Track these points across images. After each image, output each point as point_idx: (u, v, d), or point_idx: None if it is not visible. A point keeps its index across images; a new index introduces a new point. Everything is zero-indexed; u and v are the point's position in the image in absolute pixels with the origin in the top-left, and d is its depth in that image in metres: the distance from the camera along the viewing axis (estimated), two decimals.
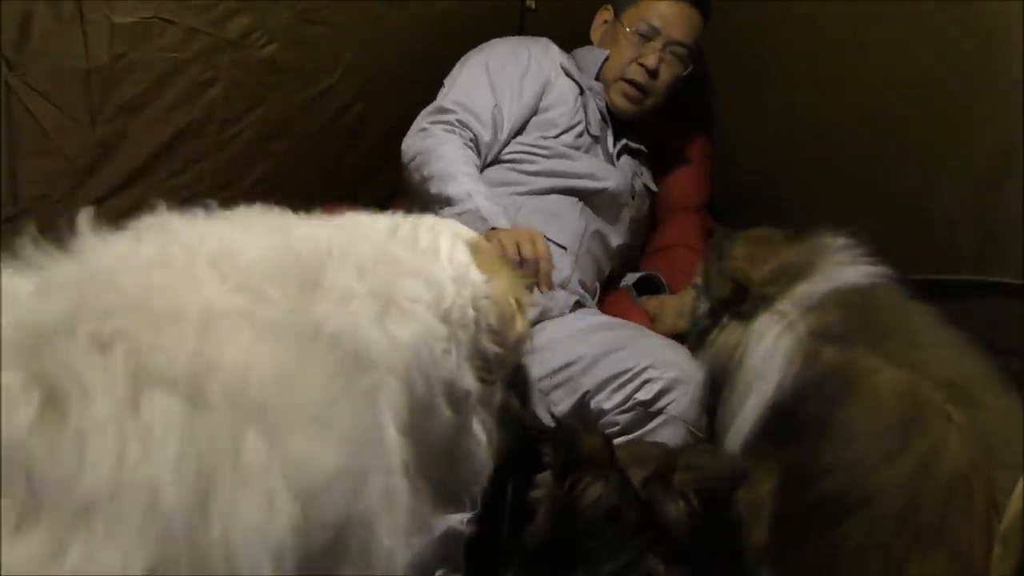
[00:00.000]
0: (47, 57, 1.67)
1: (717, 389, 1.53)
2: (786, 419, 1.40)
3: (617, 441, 1.49)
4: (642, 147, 2.22)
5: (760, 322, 1.49)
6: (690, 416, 1.66)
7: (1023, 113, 1.75)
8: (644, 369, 1.66)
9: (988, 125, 1.82)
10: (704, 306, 1.63)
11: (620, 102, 2.13)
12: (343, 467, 0.82)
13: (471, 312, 1.06)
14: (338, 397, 0.84)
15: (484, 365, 1.10)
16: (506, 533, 1.60)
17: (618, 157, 2.15)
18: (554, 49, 2.14)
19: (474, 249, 1.15)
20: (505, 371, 1.19)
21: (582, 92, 2.09)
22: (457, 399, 1.05)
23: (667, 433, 1.64)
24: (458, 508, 1.18)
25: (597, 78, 2.14)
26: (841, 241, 1.60)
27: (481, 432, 1.12)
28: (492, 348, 1.10)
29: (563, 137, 2.01)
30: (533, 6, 1.88)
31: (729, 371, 1.52)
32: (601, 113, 2.13)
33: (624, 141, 2.15)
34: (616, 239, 2.11)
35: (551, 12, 2.35)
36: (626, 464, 1.28)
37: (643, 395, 1.65)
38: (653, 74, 2.09)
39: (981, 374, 1.41)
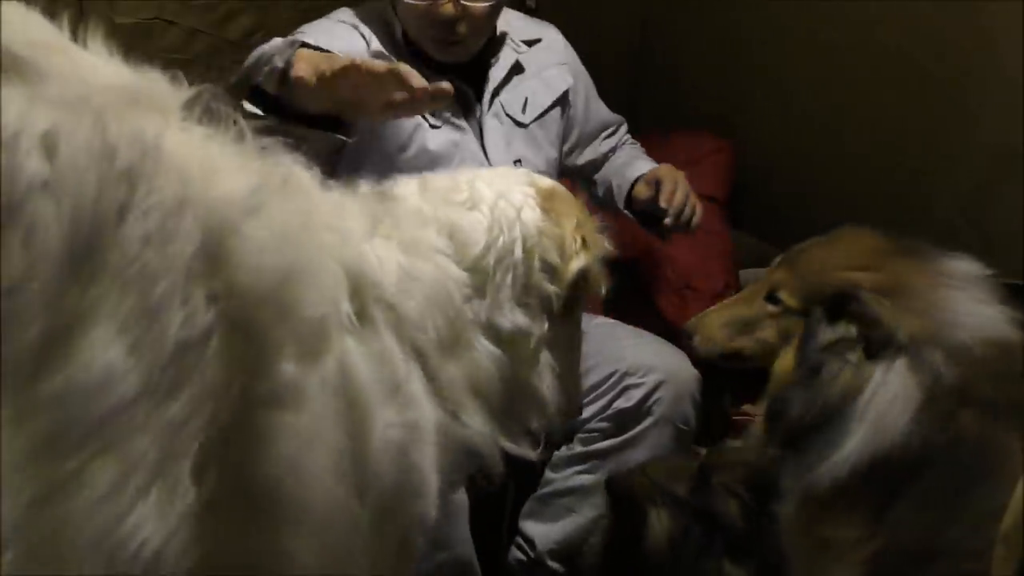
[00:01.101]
0: None
1: (814, 415, 1.35)
2: (902, 474, 1.27)
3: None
4: None
5: (894, 363, 1.31)
6: (677, 415, 1.63)
7: (1022, 114, 1.75)
8: (622, 376, 1.62)
9: (987, 126, 1.83)
10: (824, 336, 1.39)
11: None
12: None
13: (518, 253, 1.07)
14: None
15: (542, 303, 1.09)
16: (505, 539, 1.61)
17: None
18: None
19: (547, 195, 1.16)
20: (576, 307, 1.17)
21: None
22: (505, 336, 1.05)
23: (655, 434, 1.62)
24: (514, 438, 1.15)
25: None
26: (975, 269, 1.35)
27: (547, 370, 1.10)
28: (548, 286, 1.09)
29: None
30: (534, 5, 1.87)
31: (837, 404, 1.33)
32: None
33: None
34: None
35: (551, 11, 2.35)
36: (664, 486, 1.26)
37: (624, 403, 1.61)
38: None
39: None
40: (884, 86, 1.98)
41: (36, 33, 0.65)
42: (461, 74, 1.74)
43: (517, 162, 1.78)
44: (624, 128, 1.99)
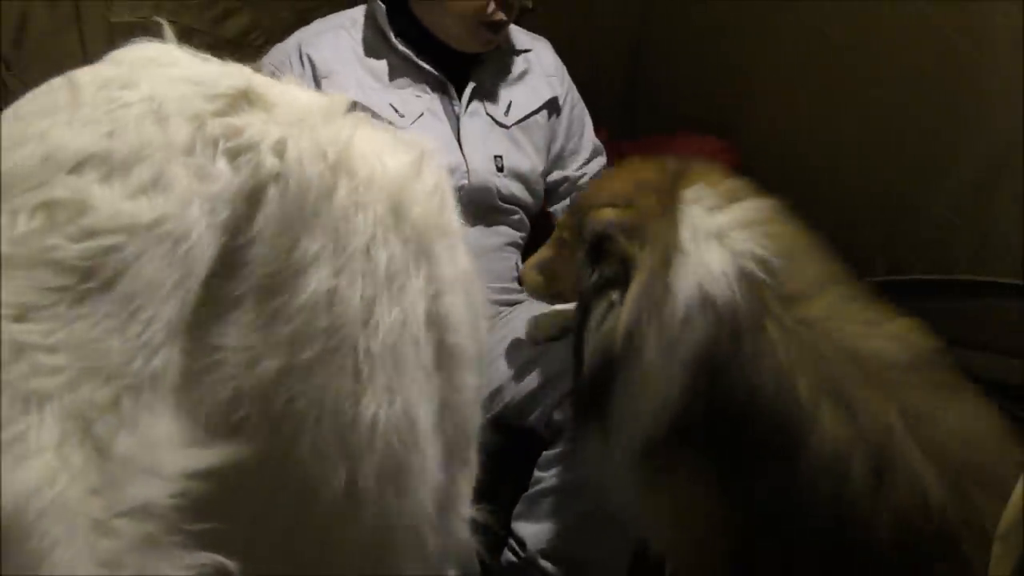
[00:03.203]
0: (44, 57, 1.67)
1: (606, 377, 1.32)
2: (720, 424, 1.26)
3: None
4: None
5: (642, 294, 1.28)
6: None
7: (1021, 114, 1.75)
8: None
9: (985, 126, 1.83)
10: (590, 277, 1.36)
11: None
12: None
13: None
14: None
15: None
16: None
17: None
18: None
19: None
20: None
21: None
22: None
23: None
24: None
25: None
26: (707, 196, 1.34)
27: None
28: None
29: None
30: (531, 6, 1.87)
31: (613, 348, 1.30)
32: None
33: None
34: None
35: (550, 9, 2.35)
36: None
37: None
38: None
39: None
40: (884, 86, 1.98)
41: (256, 77, 0.90)
42: (446, 69, 1.78)
43: (498, 157, 1.81)
44: (603, 159, 2.02)
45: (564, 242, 1.50)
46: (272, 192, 0.82)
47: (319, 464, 0.85)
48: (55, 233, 0.72)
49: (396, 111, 1.75)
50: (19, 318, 0.70)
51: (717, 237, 1.29)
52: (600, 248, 1.33)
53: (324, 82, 1.75)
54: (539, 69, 1.94)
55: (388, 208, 0.90)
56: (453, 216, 0.99)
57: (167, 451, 0.75)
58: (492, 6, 1.74)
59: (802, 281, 1.30)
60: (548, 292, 1.60)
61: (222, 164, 0.80)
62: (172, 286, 0.75)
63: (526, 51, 1.94)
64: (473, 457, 1.04)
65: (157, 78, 0.83)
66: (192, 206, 0.77)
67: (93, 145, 0.76)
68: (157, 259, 0.74)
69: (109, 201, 0.74)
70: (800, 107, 2.16)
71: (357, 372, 0.86)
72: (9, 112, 0.82)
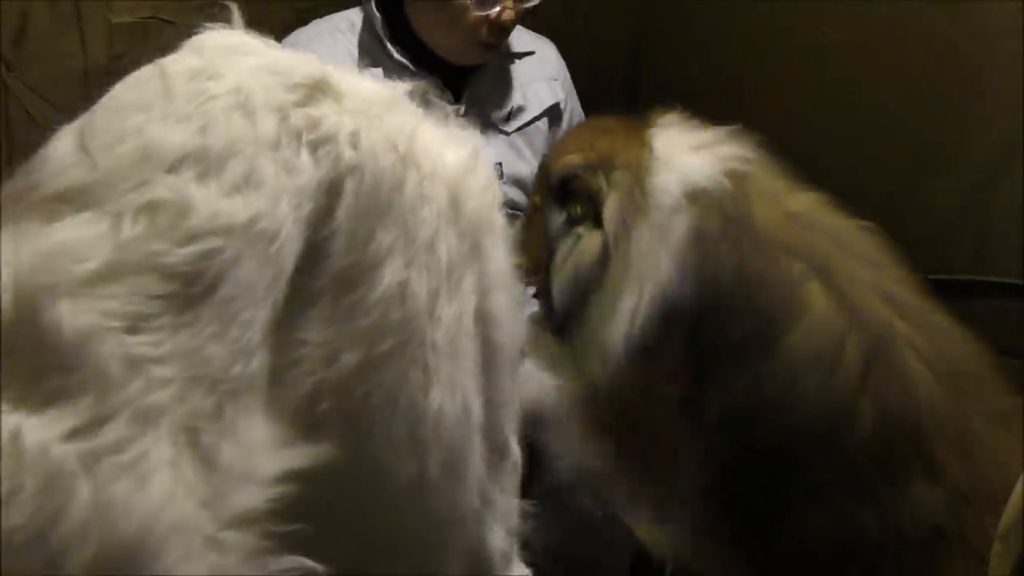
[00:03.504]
0: (45, 57, 1.67)
1: (580, 303, 1.35)
2: (698, 324, 1.26)
3: None
4: None
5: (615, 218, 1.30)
6: None
7: (1021, 114, 1.75)
8: None
9: (985, 126, 1.83)
10: (556, 220, 1.41)
11: None
12: None
13: None
14: None
15: None
16: None
17: None
18: None
19: None
20: None
21: None
22: None
23: None
24: None
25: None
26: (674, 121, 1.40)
27: None
28: None
29: None
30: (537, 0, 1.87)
31: (581, 276, 1.34)
32: None
33: None
34: None
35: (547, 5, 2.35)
36: None
37: None
38: None
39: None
40: (883, 86, 1.98)
41: (324, 66, 0.88)
42: (444, 77, 1.77)
43: (498, 164, 1.79)
44: None
45: (536, 207, 1.50)
46: (349, 184, 0.81)
47: (392, 457, 0.85)
48: (160, 238, 0.71)
49: None
50: (132, 330, 0.68)
51: (695, 149, 1.34)
52: (566, 189, 1.37)
53: None
54: (541, 73, 1.92)
55: (448, 201, 0.90)
56: (500, 213, 1.00)
57: (262, 455, 0.73)
58: (485, 31, 1.71)
59: (784, 183, 1.35)
60: (538, 264, 1.58)
61: (305, 157, 0.80)
62: (266, 286, 0.75)
63: (528, 53, 1.92)
64: (511, 455, 1.03)
65: (239, 68, 0.82)
66: (282, 202, 0.76)
67: (188, 142, 0.75)
68: (253, 260, 0.74)
69: (206, 201, 0.73)
70: (800, 107, 2.16)
71: (426, 365, 0.86)
72: (103, 105, 0.81)
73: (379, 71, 1.79)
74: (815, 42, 2.09)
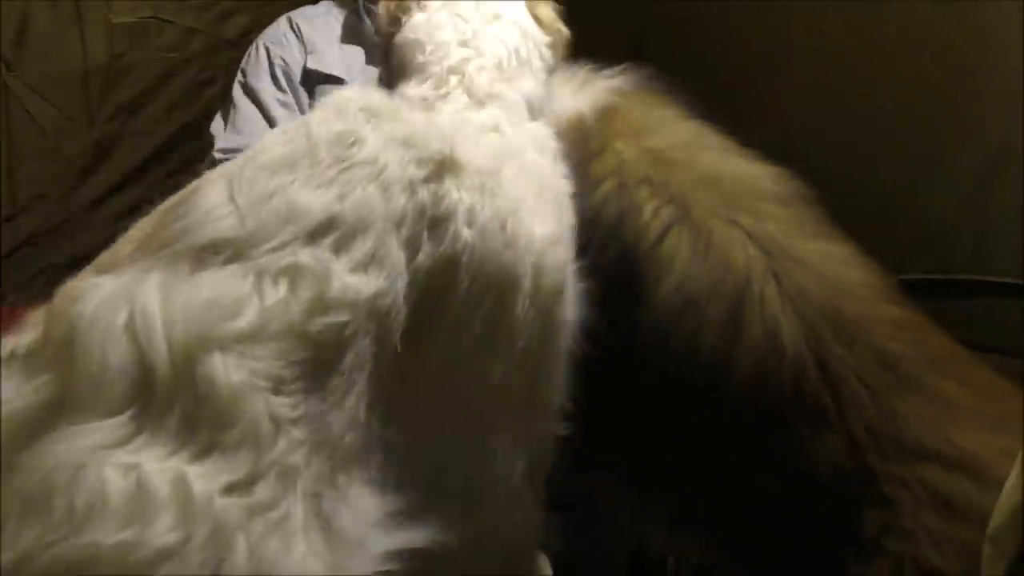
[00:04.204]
0: (45, 57, 1.68)
1: None
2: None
3: None
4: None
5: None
6: None
7: (1020, 113, 1.75)
8: None
9: (984, 126, 1.82)
10: None
11: None
12: None
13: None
14: None
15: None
16: None
17: None
18: None
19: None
20: None
21: None
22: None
23: None
24: None
25: None
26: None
27: None
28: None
29: None
30: None
31: None
32: None
33: None
34: None
35: None
36: None
37: None
38: None
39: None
40: (883, 86, 1.97)
41: (451, 137, 0.93)
42: None
43: None
44: None
45: None
46: (464, 262, 0.87)
47: (490, 536, 0.95)
48: (300, 305, 0.74)
49: None
50: (275, 391, 0.70)
51: (578, 86, 1.40)
52: None
53: (309, 58, 1.76)
54: None
55: (531, 280, 0.95)
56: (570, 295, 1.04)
57: (372, 527, 0.74)
58: None
59: (659, 117, 1.36)
60: None
61: (425, 235, 0.84)
62: (374, 360, 0.78)
63: None
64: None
65: (379, 135, 0.87)
66: (399, 281, 0.80)
67: (328, 209, 0.79)
68: (369, 334, 0.77)
69: (339, 274, 0.77)
70: (799, 107, 2.16)
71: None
72: (253, 158, 0.84)
73: (358, 50, 1.80)
74: (814, 42, 2.09)
